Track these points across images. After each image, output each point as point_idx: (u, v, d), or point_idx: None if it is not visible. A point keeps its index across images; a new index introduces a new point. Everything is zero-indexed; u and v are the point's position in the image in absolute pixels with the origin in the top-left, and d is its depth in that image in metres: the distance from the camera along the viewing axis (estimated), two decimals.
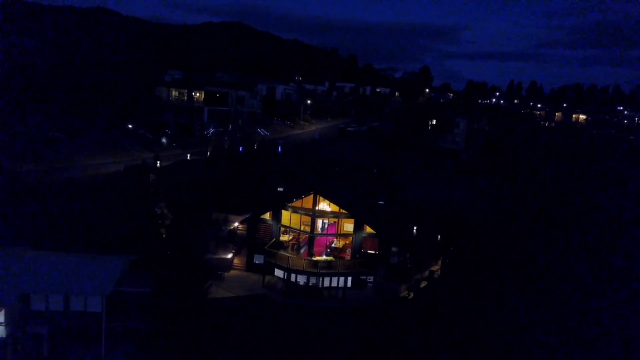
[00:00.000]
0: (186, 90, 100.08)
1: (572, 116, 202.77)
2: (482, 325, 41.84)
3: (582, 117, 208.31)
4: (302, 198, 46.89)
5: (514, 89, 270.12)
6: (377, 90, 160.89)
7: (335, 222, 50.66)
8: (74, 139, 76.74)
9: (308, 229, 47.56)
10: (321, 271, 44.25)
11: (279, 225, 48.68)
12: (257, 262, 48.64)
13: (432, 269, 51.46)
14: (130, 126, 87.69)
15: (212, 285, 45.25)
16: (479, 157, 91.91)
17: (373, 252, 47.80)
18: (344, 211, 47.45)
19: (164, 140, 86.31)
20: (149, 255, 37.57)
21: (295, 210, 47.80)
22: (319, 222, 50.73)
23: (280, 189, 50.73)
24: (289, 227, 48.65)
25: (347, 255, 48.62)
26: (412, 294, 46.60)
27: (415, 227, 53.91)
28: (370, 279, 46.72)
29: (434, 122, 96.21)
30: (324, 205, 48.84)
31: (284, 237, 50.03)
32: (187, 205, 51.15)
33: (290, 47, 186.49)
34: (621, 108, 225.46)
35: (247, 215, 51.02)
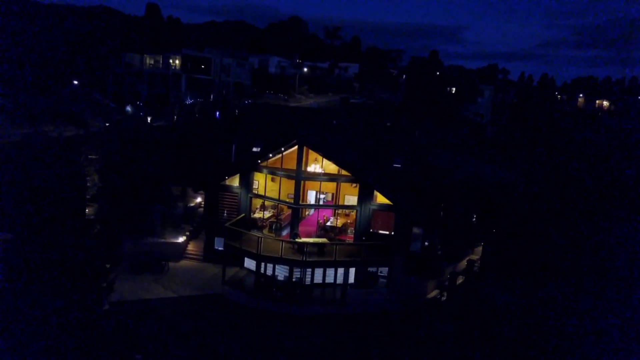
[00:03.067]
0: (161, 57, 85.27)
1: (595, 102, 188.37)
2: (550, 343, 26.61)
3: (605, 103, 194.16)
4: (281, 152, 31.77)
5: (525, 81, 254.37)
6: (383, 72, 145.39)
7: (332, 194, 35.62)
8: (20, 108, 62.65)
9: (292, 200, 32.52)
10: (309, 259, 29.17)
11: (249, 195, 33.62)
12: (218, 248, 33.71)
13: (470, 258, 36.37)
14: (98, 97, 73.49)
15: (147, 283, 30.32)
16: (507, 131, 76.56)
17: (387, 232, 32.69)
18: (344, 173, 32.34)
19: (128, 109, 71.53)
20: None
21: (272, 171, 32.76)
22: (310, 194, 35.71)
23: (256, 149, 35.63)
24: (265, 196, 33.56)
25: (350, 238, 33.60)
26: (445, 295, 31.49)
27: (443, 204, 38.69)
28: (383, 271, 31.69)
29: (454, 90, 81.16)
30: (316, 167, 33.78)
31: (259, 214, 34.99)
32: (128, 177, 36.27)
33: (290, 29, 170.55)
34: None
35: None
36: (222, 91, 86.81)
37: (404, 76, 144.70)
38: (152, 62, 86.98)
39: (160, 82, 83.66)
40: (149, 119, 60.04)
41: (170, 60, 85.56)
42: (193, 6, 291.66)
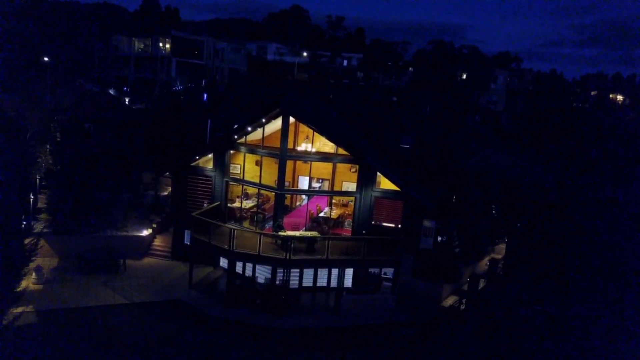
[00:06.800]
0: (150, 40, 79.58)
1: (609, 96, 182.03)
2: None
3: (619, 97, 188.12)
4: (262, 124, 25.74)
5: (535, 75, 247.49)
6: (389, 63, 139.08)
7: (328, 181, 29.70)
8: None
9: (275, 184, 26.55)
10: (294, 257, 23.18)
11: (225, 180, 27.66)
12: (189, 243, 27.81)
13: (492, 257, 30.41)
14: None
15: (94, 286, 24.47)
16: (524, 119, 70.20)
17: (392, 225, 26.68)
18: (341, 151, 26.33)
19: (111, 92, 65.76)
20: None
21: (252, 150, 26.78)
22: (303, 181, 29.90)
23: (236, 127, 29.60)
24: (243, 180, 27.59)
25: (347, 232, 27.63)
26: (464, 302, 25.46)
27: (459, 193, 32.62)
28: (388, 273, 25.72)
29: (464, 76, 74.92)
30: (307, 146, 27.82)
31: (238, 203, 29.04)
32: (87, 160, 30.43)
33: (290, 18, 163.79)
34: None
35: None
36: (215, 77, 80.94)
37: (410, 68, 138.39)
38: (141, 45, 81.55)
39: (149, 67, 78.18)
40: (126, 100, 54.27)
41: (160, 44, 80.00)
42: (197, 4, 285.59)
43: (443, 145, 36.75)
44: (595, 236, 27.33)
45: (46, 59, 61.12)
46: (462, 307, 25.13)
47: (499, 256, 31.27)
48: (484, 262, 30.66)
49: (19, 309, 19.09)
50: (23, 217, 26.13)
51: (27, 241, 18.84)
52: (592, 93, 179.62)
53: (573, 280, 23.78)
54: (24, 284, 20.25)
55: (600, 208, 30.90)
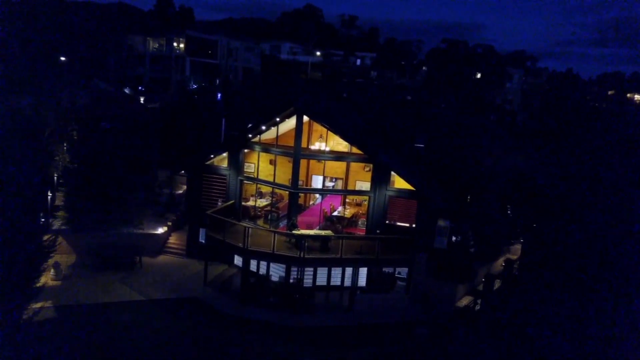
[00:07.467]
0: (165, 39, 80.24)
1: (626, 95, 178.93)
2: None
3: (637, 97, 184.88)
4: (276, 123, 25.82)
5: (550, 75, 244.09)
6: (403, 62, 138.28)
7: (342, 180, 29.77)
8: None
9: (289, 184, 26.62)
10: (308, 256, 23.24)
11: (240, 178, 27.81)
12: (203, 241, 28.03)
13: (507, 257, 30.17)
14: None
15: (110, 282, 24.78)
16: (540, 118, 69.43)
17: (406, 225, 26.61)
18: (355, 150, 26.32)
19: (127, 91, 66.46)
20: None
21: (266, 149, 26.88)
22: (316, 180, 30.00)
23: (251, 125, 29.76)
24: (257, 179, 27.72)
25: (361, 232, 27.62)
26: (479, 303, 25.30)
27: (474, 192, 32.39)
28: (402, 272, 25.64)
29: (479, 75, 74.28)
30: (321, 145, 27.88)
31: (253, 202, 29.19)
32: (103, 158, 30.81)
33: (303, 17, 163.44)
34: None
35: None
36: (228, 76, 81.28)
37: (424, 68, 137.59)
38: (156, 45, 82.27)
39: (163, 66, 78.74)
40: (141, 99, 54.80)
41: (175, 44, 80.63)
42: (211, 4, 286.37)
43: (457, 144, 36.51)
44: (613, 237, 26.94)
45: (63, 58, 61.83)
46: (477, 307, 24.99)
47: (515, 256, 31.00)
48: (500, 263, 30.40)
49: (39, 304, 19.44)
50: (41, 214, 26.61)
51: (45, 238, 19.15)
52: (609, 92, 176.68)
53: (591, 282, 23.48)
54: (42, 279, 20.55)
55: (618, 209, 30.43)
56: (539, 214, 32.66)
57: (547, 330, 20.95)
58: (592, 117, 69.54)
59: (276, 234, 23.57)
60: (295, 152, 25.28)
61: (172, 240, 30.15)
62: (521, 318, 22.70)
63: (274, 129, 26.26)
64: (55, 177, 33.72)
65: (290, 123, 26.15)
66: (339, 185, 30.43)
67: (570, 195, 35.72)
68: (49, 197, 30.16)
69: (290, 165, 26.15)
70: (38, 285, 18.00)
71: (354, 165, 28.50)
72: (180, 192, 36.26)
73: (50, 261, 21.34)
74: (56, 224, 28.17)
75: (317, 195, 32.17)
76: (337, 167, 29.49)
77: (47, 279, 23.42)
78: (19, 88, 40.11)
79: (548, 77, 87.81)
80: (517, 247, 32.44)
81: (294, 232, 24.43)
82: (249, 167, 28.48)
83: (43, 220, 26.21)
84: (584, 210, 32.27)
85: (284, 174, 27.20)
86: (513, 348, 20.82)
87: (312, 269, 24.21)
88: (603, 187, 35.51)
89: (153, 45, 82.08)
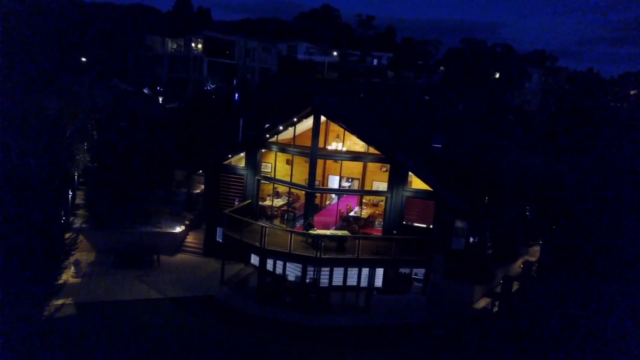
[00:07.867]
0: (183, 40, 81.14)
1: None
2: None
3: None
4: (294, 123, 25.88)
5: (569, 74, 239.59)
6: (420, 62, 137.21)
7: (358, 180, 29.73)
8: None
9: (306, 184, 26.65)
10: (325, 256, 23.25)
11: (257, 178, 27.94)
12: (220, 240, 28.23)
13: (526, 259, 29.78)
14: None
15: (129, 280, 25.11)
16: (560, 119, 68.27)
17: (423, 225, 26.45)
18: (372, 151, 26.25)
19: (145, 91, 67.36)
20: None
21: (283, 149, 26.97)
22: (333, 180, 29.98)
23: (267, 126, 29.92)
24: (274, 179, 27.84)
25: (378, 232, 27.54)
26: (497, 305, 25.03)
27: (492, 193, 32.04)
28: (419, 273, 25.49)
29: (497, 75, 73.51)
30: (338, 145, 27.88)
31: (269, 202, 29.32)
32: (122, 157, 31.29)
33: (320, 17, 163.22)
34: None
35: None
36: (246, 76, 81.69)
37: (442, 67, 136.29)
38: (174, 46, 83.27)
39: (181, 66, 79.63)
40: (160, 99, 55.43)
41: (193, 44, 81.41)
42: (228, 4, 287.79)
43: (476, 144, 36.17)
44: (635, 240, 26.40)
45: (84, 59, 62.80)
46: (495, 309, 24.73)
47: (533, 258, 30.63)
48: (518, 264, 30.07)
49: (60, 301, 19.79)
50: (63, 212, 27.08)
51: (66, 236, 19.48)
52: (632, 92, 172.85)
53: (611, 284, 23.04)
54: (64, 277, 20.97)
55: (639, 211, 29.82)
56: (558, 216, 32.16)
57: (567, 332, 20.66)
58: (611, 117, 68.14)
59: (293, 234, 23.62)
60: (312, 152, 25.33)
61: (190, 239, 30.44)
62: (540, 320, 22.39)
63: (291, 129, 26.33)
64: (76, 176, 34.34)
65: (308, 123, 26.20)
66: (356, 185, 30.40)
67: (593, 196, 35.12)
68: (70, 195, 30.64)
69: (307, 165, 26.21)
70: (59, 282, 18.32)
71: (371, 166, 28.44)
72: (198, 191, 36.58)
73: (71, 259, 21.74)
74: (77, 222, 28.64)
75: (334, 195, 32.15)
76: (353, 167, 29.46)
77: (68, 276, 23.85)
78: (44, 88, 40.92)
79: (568, 77, 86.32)
80: (536, 249, 32.04)
81: (310, 232, 24.47)
82: (266, 167, 28.62)
83: (64, 218, 26.68)
84: (607, 212, 31.69)
85: (300, 174, 27.26)
86: (532, 351, 20.57)
87: (328, 269, 24.21)
88: (630, 189, 34.80)
89: (171, 45, 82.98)
